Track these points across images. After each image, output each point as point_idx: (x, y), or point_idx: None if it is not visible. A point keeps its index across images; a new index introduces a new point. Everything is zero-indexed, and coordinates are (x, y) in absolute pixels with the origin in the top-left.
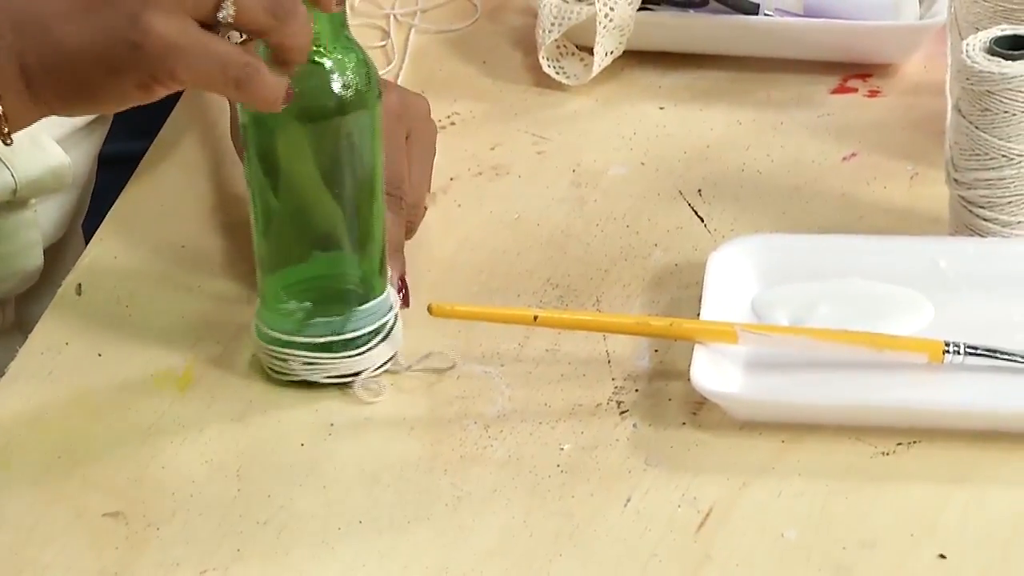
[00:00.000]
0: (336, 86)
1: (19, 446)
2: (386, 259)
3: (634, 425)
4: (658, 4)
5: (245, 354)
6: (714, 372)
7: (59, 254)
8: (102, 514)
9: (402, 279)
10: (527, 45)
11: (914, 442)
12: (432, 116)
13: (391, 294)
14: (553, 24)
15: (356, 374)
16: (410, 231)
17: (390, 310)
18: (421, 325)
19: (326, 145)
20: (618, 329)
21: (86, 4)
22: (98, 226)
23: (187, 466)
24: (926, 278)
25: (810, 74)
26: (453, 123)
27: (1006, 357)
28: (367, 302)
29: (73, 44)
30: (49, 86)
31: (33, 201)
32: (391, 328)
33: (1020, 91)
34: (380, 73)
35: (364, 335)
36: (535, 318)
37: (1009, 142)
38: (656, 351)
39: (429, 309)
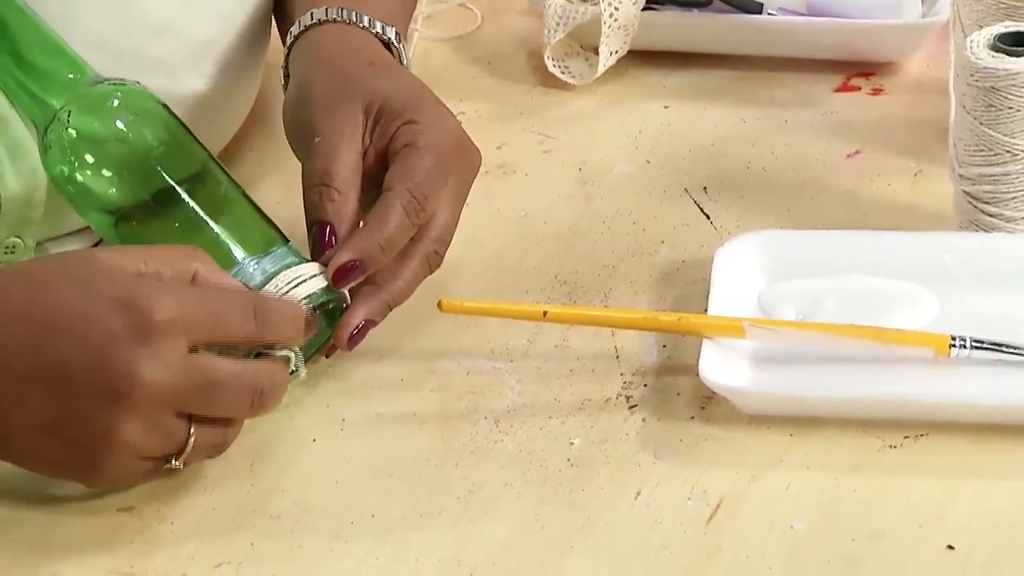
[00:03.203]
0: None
1: None
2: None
3: (643, 419)
4: (662, 4)
5: None
6: (722, 367)
7: None
8: (116, 509)
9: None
10: (532, 45)
11: (921, 435)
12: (440, 113)
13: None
14: (558, 24)
15: None
16: (435, 262)
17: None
18: (430, 321)
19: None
20: (627, 324)
21: (51, 425)
22: None
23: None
24: (931, 273)
25: (814, 73)
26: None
27: (1012, 351)
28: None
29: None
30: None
31: None
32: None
33: None
34: None
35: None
36: (544, 314)
37: (1013, 138)
38: (664, 346)
39: (439, 305)
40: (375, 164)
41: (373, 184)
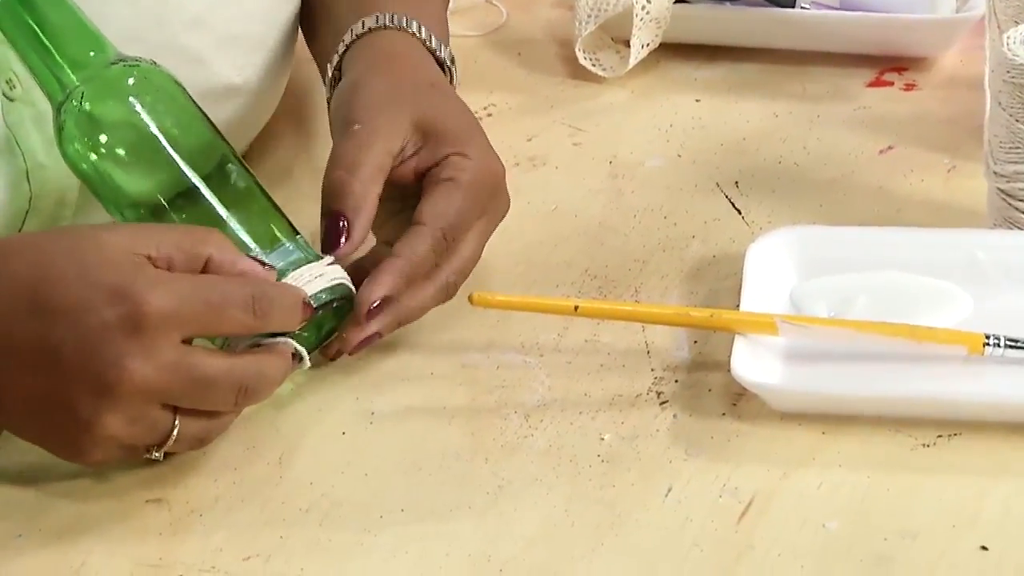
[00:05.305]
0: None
1: None
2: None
3: (674, 415)
4: None
5: None
6: (754, 363)
7: None
8: (145, 500)
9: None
10: (562, 37)
11: (954, 434)
12: (488, 152)
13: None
14: (590, 16)
15: None
16: (452, 291)
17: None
18: (460, 315)
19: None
20: (659, 320)
21: (40, 404)
22: None
23: (229, 453)
24: (965, 271)
25: (846, 67)
26: (490, 115)
27: None
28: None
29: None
30: None
31: None
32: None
33: None
34: None
35: None
36: (576, 308)
37: None
38: (695, 342)
39: (470, 299)
40: (412, 179)
41: (401, 198)
